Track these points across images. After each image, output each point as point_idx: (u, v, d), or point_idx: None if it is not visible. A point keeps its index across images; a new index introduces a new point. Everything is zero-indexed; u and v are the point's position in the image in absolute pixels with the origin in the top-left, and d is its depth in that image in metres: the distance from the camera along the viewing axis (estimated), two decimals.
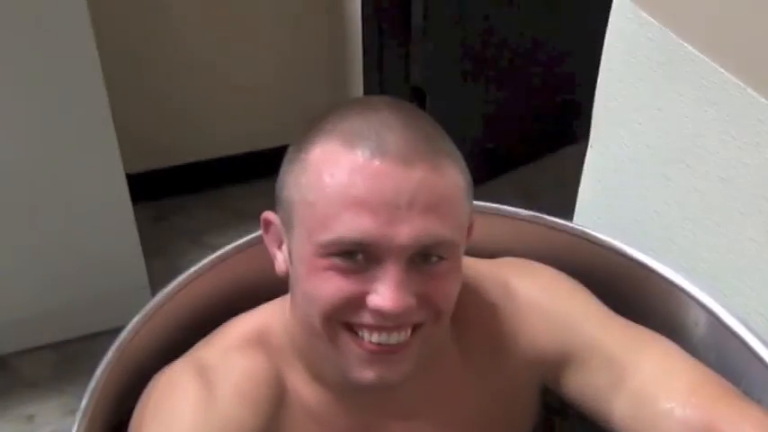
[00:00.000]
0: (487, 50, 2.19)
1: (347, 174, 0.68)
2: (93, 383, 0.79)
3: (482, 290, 0.87)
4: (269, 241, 0.80)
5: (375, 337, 0.72)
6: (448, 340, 0.84)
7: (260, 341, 0.81)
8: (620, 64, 1.01)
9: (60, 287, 1.82)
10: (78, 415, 0.75)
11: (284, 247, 0.77)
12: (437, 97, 2.15)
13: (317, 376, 0.81)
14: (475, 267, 0.88)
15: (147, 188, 2.15)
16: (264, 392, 0.78)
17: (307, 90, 2.35)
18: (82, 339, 1.88)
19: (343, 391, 0.80)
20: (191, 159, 2.33)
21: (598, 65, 1.05)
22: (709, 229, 0.94)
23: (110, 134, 1.68)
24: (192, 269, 0.91)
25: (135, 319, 0.86)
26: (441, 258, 0.71)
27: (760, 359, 0.83)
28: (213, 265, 0.92)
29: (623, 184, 1.06)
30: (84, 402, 0.76)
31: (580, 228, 0.97)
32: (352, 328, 0.72)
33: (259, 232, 0.95)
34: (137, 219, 1.84)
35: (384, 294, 0.69)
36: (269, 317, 0.83)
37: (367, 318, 0.71)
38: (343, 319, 0.72)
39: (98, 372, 0.80)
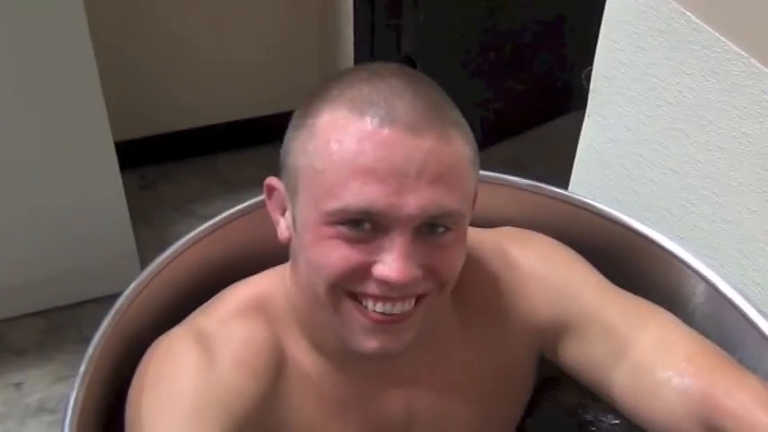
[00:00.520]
0: (478, 20, 2.18)
1: (356, 141, 0.67)
2: (90, 350, 0.78)
3: (482, 259, 0.87)
4: (272, 207, 0.79)
5: (379, 307, 0.71)
6: (448, 309, 0.84)
7: (259, 309, 0.81)
8: (620, 33, 1.00)
9: (48, 255, 1.80)
10: (77, 381, 0.75)
11: (288, 214, 0.76)
12: (428, 67, 2.14)
13: (317, 345, 0.80)
14: (474, 237, 0.87)
15: (134, 156, 2.12)
16: (264, 360, 0.78)
17: (296, 59, 2.33)
18: (69, 307, 1.87)
19: (343, 359, 0.80)
20: (177, 127, 2.31)
21: (593, 36, 1.05)
22: (708, 200, 0.95)
23: (99, 103, 1.66)
24: (193, 233, 0.90)
25: (133, 285, 0.85)
26: (447, 229, 0.71)
27: (756, 328, 0.84)
28: (216, 227, 0.92)
29: (621, 154, 1.06)
30: (82, 368, 0.76)
31: (580, 198, 0.97)
32: (356, 298, 0.72)
33: (249, 201, 0.95)
34: (123, 187, 1.83)
35: (390, 265, 0.68)
36: (268, 284, 0.83)
37: (372, 287, 0.70)
38: (347, 288, 0.72)
39: (96, 338, 0.79)
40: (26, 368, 1.79)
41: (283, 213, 0.78)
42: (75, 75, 1.61)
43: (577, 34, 1.91)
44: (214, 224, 0.92)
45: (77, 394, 0.74)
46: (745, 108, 0.87)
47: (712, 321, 0.88)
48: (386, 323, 0.72)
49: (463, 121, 0.74)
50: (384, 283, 0.69)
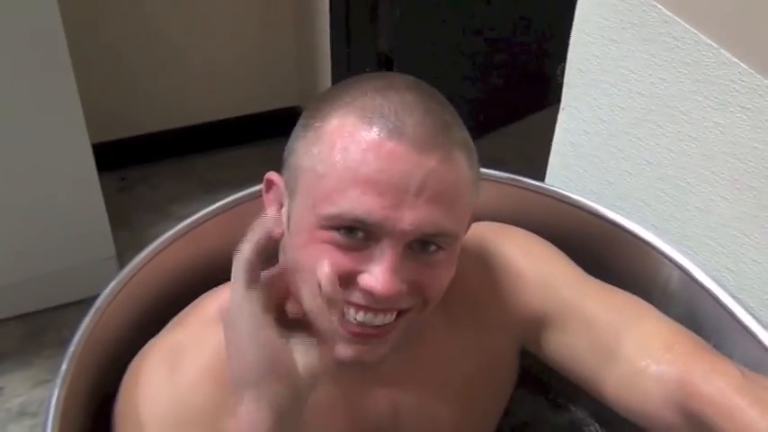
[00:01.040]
0: (455, 17, 2.19)
1: (361, 150, 0.68)
2: (71, 348, 0.78)
3: (463, 254, 0.87)
4: (268, 202, 0.79)
5: (360, 316, 0.71)
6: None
7: None
8: (592, 26, 1.01)
9: (26, 259, 1.79)
10: (58, 379, 0.75)
11: (283, 211, 0.76)
12: (404, 65, 2.15)
13: None
14: None
15: (111, 158, 2.12)
16: None
17: (272, 60, 2.33)
18: (49, 311, 1.86)
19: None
20: (155, 129, 2.30)
21: (568, 32, 1.06)
22: (681, 189, 0.96)
23: (75, 104, 1.65)
24: (171, 232, 0.90)
25: (112, 284, 0.85)
26: (439, 248, 0.71)
27: (731, 314, 0.86)
28: (193, 226, 0.92)
29: (595, 146, 1.07)
30: (63, 366, 0.76)
31: (558, 190, 0.99)
32: None
33: (227, 199, 0.95)
34: (102, 189, 1.82)
35: (377, 276, 0.68)
36: None
37: (356, 296, 0.70)
38: None
39: (76, 337, 0.79)
40: (6, 373, 1.77)
41: (279, 209, 0.78)
42: (50, 75, 1.59)
43: (554, 30, 1.93)
44: (191, 223, 0.93)
45: (59, 393, 0.74)
46: (716, 98, 0.88)
47: (688, 308, 0.89)
48: (363, 336, 0.72)
49: (469, 142, 0.74)
50: (368, 293, 0.69)
